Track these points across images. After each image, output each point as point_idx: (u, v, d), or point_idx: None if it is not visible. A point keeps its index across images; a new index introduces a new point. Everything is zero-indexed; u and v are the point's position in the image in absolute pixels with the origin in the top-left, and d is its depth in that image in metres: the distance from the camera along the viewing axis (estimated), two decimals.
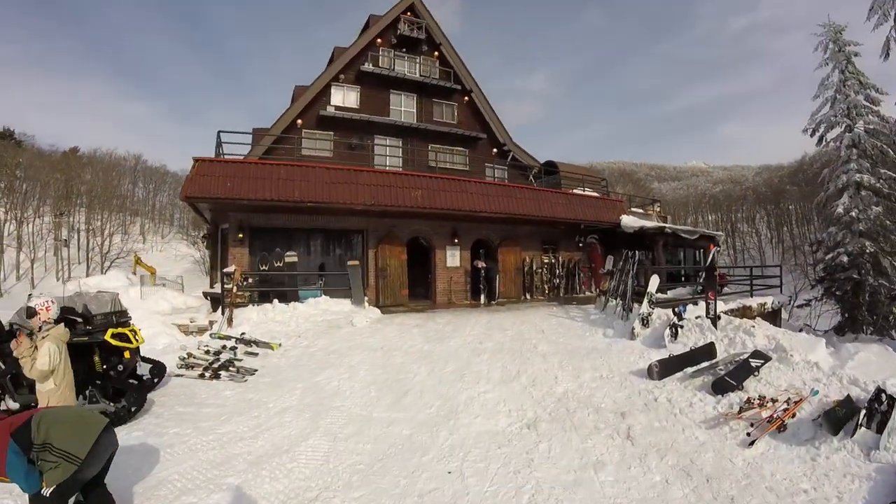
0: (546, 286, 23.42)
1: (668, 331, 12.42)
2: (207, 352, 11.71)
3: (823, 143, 24.93)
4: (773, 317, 20.24)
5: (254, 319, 14.48)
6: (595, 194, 24.79)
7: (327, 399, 8.99)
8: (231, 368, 10.59)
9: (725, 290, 22.87)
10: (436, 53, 28.81)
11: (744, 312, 18.12)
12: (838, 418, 7.70)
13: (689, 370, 10.34)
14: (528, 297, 22.79)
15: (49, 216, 56.89)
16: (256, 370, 10.59)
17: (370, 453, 6.87)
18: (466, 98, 29.35)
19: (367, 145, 25.77)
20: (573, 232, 24.75)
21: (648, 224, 23.97)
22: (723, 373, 9.91)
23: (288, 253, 17.09)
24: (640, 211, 27.96)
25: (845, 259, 22.36)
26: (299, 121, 24.78)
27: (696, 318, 13.21)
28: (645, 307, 13.46)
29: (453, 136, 27.81)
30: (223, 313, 15.00)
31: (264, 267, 16.76)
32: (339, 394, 9.27)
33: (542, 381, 9.90)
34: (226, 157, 17.45)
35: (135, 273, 34.31)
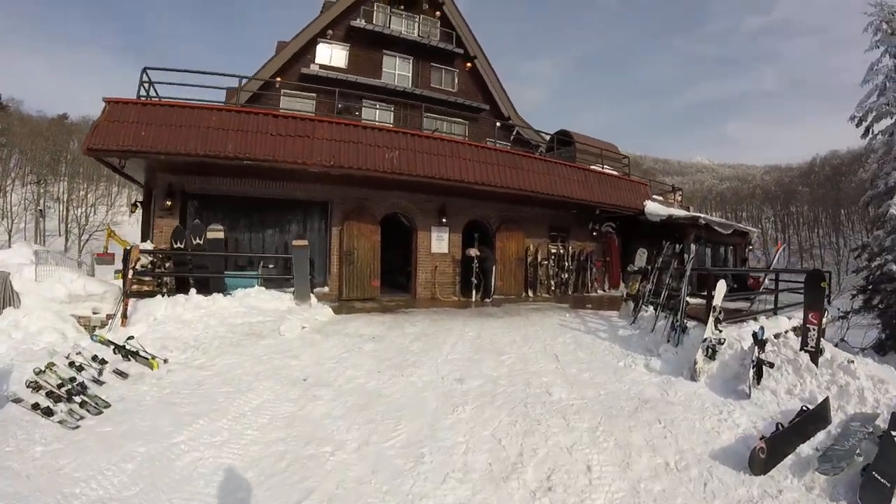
0: (552, 282, 18.75)
1: (751, 371, 7.69)
2: (71, 364, 7.38)
3: (870, 134, 20.86)
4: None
5: (158, 316, 9.95)
6: (615, 173, 19.94)
7: (165, 494, 4.68)
8: (77, 398, 6.52)
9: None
10: (437, 13, 24.63)
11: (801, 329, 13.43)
12: None
13: (806, 450, 5.88)
14: (530, 294, 18.12)
15: (30, 185, 52.34)
16: (110, 405, 6.51)
17: None
18: (469, 65, 25.15)
19: (354, 110, 21.33)
20: (587, 218, 20.08)
21: (678, 213, 19.31)
22: (861, 460, 5.60)
23: (212, 227, 12.29)
24: (661, 199, 23.15)
25: (894, 267, 17.93)
26: (278, 78, 20.33)
27: (782, 346, 8.58)
28: (710, 330, 8.69)
29: (453, 106, 23.11)
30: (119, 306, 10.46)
31: (179, 245, 11.98)
32: (189, 481, 4.88)
33: (566, 478, 5.10)
34: (144, 99, 12.64)
35: (106, 249, 29.65)
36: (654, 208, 19.56)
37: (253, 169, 12.78)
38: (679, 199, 25.59)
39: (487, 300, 15.91)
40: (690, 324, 9.60)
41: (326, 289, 14.94)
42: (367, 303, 14.47)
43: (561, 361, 8.71)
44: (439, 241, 16.60)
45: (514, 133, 24.15)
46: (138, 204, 16.35)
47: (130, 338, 8.30)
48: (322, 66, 21.78)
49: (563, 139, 21.10)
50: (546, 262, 18.66)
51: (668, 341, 9.38)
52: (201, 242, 11.90)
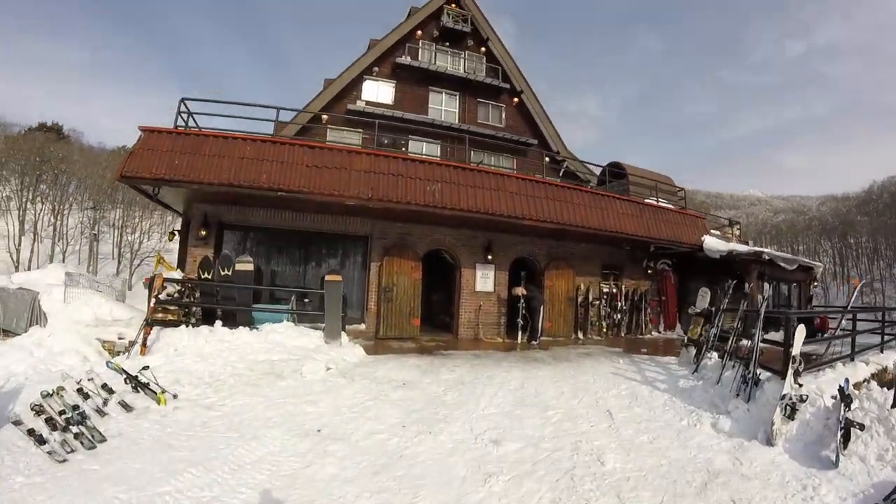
0: (604, 323, 17.47)
1: (838, 435, 6.44)
2: (80, 391, 6.92)
3: None
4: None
5: (178, 347, 9.41)
6: (671, 207, 18.67)
7: None
8: (74, 429, 6.04)
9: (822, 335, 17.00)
10: (482, 49, 24.20)
11: (880, 376, 11.92)
12: None
13: None
14: (580, 335, 16.88)
15: (87, 210, 53.67)
16: (105, 440, 6.06)
17: None
18: (516, 100, 24.45)
19: (401, 145, 20.90)
20: (641, 254, 18.74)
21: (740, 248, 17.84)
22: None
23: (241, 258, 11.62)
24: (718, 233, 21.62)
25: None
26: (324, 116, 19.96)
27: (866, 399, 7.25)
28: (789, 384, 7.45)
29: (500, 141, 22.22)
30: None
31: (207, 275, 11.36)
32: None
33: None
34: (179, 128, 12.26)
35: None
36: (713, 243, 18.12)
37: (289, 201, 12.27)
38: (737, 233, 23.98)
39: (534, 342, 14.81)
40: (763, 374, 8.35)
41: (363, 326, 14.12)
42: (404, 342, 13.57)
43: (615, 419, 7.57)
44: (484, 280, 15.64)
45: (563, 167, 23.10)
46: (176, 232, 15.93)
47: (145, 368, 7.75)
48: (368, 103, 21.37)
49: (616, 171, 19.91)
50: (598, 302, 17.43)
51: (737, 395, 8.11)
52: (229, 273, 11.22)
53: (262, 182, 11.41)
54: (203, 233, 13.06)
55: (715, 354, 10.14)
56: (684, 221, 18.02)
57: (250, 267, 11.49)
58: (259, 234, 14.16)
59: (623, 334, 17.80)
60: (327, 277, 11.11)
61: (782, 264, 18.14)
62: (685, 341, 11.65)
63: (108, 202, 55.02)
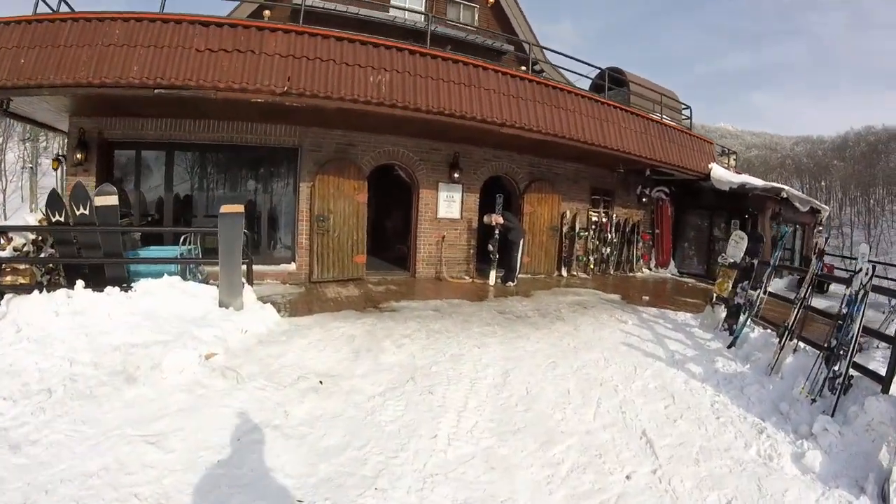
0: (591, 258, 14.38)
1: None
2: None
3: None
4: None
5: (23, 324, 6.02)
6: (675, 125, 15.29)
7: None
8: None
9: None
10: None
11: None
12: None
13: None
14: (563, 273, 13.83)
15: (26, 142, 48.07)
16: None
17: None
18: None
19: None
20: (634, 180, 15.58)
21: (755, 182, 14.76)
22: None
23: (101, 189, 7.88)
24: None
25: None
26: (266, 12, 15.50)
27: None
28: None
29: (471, 47, 18.01)
30: None
31: (59, 217, 7.75)
32: None
33: None
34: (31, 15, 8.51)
35: None
36: (723, 174, 15.01)
37: (190, 105, 8.82)
38: (733, 164, 20.71)
39: (510, 283, 11.63)
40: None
41: (293, 266, 10.79)
42: (345, 287, 10.28)
43: (658, 454, 4.43)
44: (448, 204, 12.23)
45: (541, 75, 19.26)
46: (61, 159, 12.00)
47: None
48: None
49: (615, 77, 16.05)
50: (585, 234, 14.30)
51: (813, 400, 5.13)
52: (86, 213, 7.61)
53: (132, 77, 7.82)
54: (79, 155, 9.75)
55: (758, 328, 7.28)
56: (691, 144, 14.74)
57: (114, 200, 7.74)
58: (156, 152, 10.70)
59: (612, 271, 14.85)
60: (223, 209, 7.45)
61: (797, 204, 15.12)
62: (713, 299, 8.54)
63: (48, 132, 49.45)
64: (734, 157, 21.41)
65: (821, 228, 20.46)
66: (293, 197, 10.90)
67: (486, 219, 11.75)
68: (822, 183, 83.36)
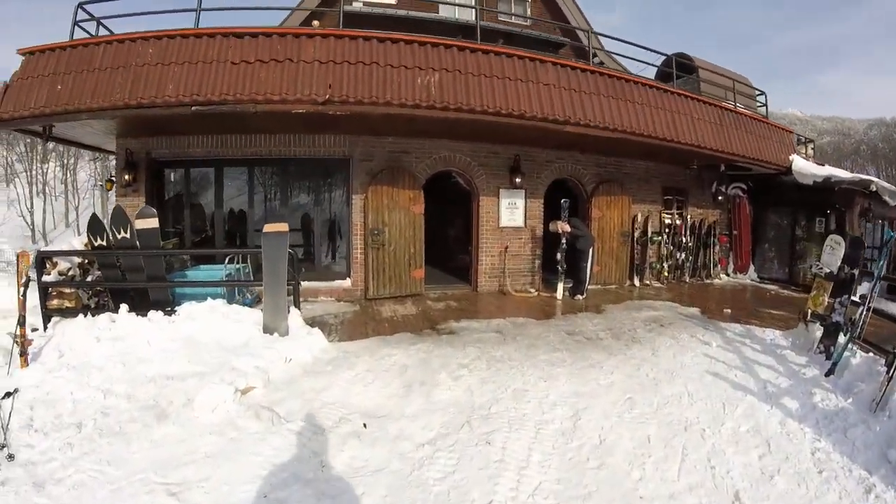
0: (665, 264, 13.32)
1: None
2: None
3: None
4: None
5: (66, 350, 5.94)
6: (751, 113, 13.98)
7: None
8: None
9: None
10: None
11: None
12: None
13: None
14: (636, 282, 12.84)
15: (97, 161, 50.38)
16: None
17: None
18: None
19: None
20: (708, 176, 14.34)
21: (842, 174, 13.34)
22: None
23: (142, 211, 7.54)
24: None
25: None
26: (315, 22, 15.09)
27: None
28: None
29: (526, 41, 17.09)
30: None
31: (101, 241, 7.53)
32: None
33: None
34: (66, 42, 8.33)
35: None
36: (806, 166, 13.48)
37: (233, 120, 8.42)
38: (811, 153, 18.94)
39: (580, 297, 10.73)
40: None
41: (348, 282, 10.22)
42: (402, 304, 9.65)
43: None
44: (511, 211, 11.42)
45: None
46: (113, 180, 11.85)
47: (7, 395, 4.47)
48: (367, 3, 16.41)
49: (683, 63, 14.45)
50: (659, 239, 13.23)
51: None
52: (127, 236, 7.26)
53: (167, 95, 7.45)
54: (128, 176, 9.64)
55: (858, 350, 6.14)
56: (769, 134, 13.35)
57: (154, 223, 7.37)
58: (205, 169, 10.47)
59: (687, 278, 13.69)
60: (266, 228, 6.93)
61: (886, 198, 13.53)
62: (807, 315, 7.41)
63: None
64: (811, 145, 19.65)
65: None
66: (346, 210, 10.37)
67: (551, 226, 10.87)
68: None
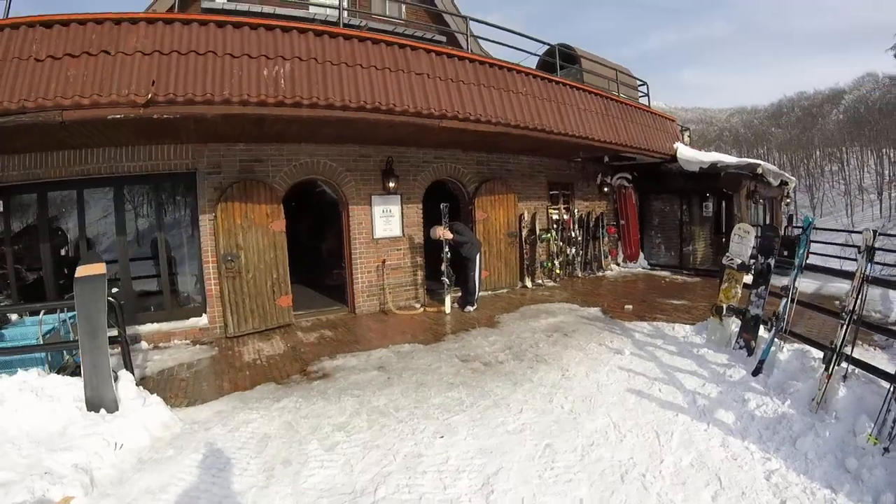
0: (556, 262, 12.71)
1: None
2: None
3: None
4: None
5: None
6: (635, 103, 13.65)
7: None
8: None
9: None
10: None
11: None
12: None
13: None
14: (528, 284, 12.14)
15: None
16: None
17: None
18: None
19: None
20: (593, 168, 14.04)
21: (728, 159, 13.40)
22: None
23: None
24: None
25: None
26: (174, 14, 13.04)
27: None
28: None
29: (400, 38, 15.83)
30: None
31: None
32: None
33: None
34: None
35: None
36: (691, 154, 13.59)
37: (36, 131, 6.35)
38: (687, 141, 19.30)
39: (470, 308, 9.81)
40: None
41: (205, 319, 8.63)
42: (268, 339, 8.22)
43: None
44: (386, 220, 10.24)
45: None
46: None
47: None
48: None
49: (566, 53, 13.90)
50: (548, 236, 12.56)
51: (885, 450, 3.83)
52: None
53: None
54: None
55: (783, 343, 5.85)
56: (654, 124, 13.15)
57: None
58: (25, 196, 8.37)
59: (580, 273, 13.23)
60: (79, 271, 5.37)
61: (770, 179, 13.73)
62: (723, 311, 6.83)
63: None
64: (688, 133, 20.06)
65: (788, 200, 19.36)
66: (191, 232, 8.80)
67: (432, 234, 9.84)
68: (761, 151, 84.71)
